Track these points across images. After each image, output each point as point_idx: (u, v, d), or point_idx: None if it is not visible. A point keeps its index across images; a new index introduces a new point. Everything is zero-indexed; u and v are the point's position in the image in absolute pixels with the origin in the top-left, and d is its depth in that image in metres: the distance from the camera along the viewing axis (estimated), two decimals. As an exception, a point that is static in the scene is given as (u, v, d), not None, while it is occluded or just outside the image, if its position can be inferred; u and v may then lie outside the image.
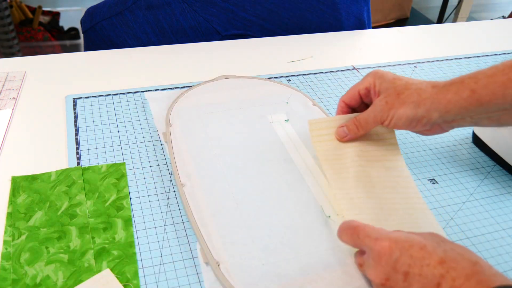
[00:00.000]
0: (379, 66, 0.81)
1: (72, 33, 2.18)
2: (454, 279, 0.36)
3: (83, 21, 0.88)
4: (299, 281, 0.43)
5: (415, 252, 0.38)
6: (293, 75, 0.77)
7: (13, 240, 0.46)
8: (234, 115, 0.64)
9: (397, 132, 0.65)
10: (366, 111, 0.52)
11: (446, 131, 0.51)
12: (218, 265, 0.44)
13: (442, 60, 0.85)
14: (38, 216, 0.49)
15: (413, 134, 0.65)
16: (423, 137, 0.64)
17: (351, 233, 0.43)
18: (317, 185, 0.53)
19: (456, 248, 0.39)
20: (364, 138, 0.56)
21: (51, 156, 0.57)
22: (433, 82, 0.48)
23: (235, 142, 0.59)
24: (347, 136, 0.54)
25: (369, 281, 0.43)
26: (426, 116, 0.47)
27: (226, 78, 0.71)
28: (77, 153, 0.58)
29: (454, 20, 2.43)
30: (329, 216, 0.50)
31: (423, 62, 0.84)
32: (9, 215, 0.49)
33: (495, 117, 0.46)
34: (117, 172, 0.55)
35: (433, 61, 0.85)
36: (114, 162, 0.57)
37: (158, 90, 0.71)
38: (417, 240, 0.39)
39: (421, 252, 0.38)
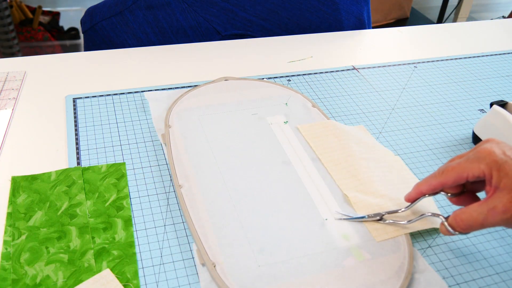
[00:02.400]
0: (379, 66, 0.81)
1: (72, 33, 2.18)
2: None
3: (83, 21, 0.88)
4: (295, 283, 0.43)
5: None
6: (293, 75, 0.77)
7: (13, 240, 0.46)
8: (233, 117, 0.64)
9: (396, 132, 0.65)
10: (478, 208, 0.41)
11: None
12: (214, 266, 0.44)
13: (442, 60, 0.85)
14: (38, 216, 0.49)
15: (412, 134, 0.65)
16: (423, 137, 0.64)
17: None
18: (314, 187, 0.53)
19: None
20: (357, 136, 0.61)
21: (51, 156, 0.58)
22: None
23: (234, 144, 0.59)
24: (455, 232, 0.43)
25: (365, 283, 0.43)
26: None
27: (225, 80, 0.71)
28: (77, 153, 0.58)
29: (454, 20, 2.43)
30: (326, 219, 0.50)
31: (423, 62, 0.84)
32: (9, 215, 0.49)
33: None
34: (117, 172, 0.55)
35: (433, 61, 0.85)
36: (114, 162, 0.57)
37: (158, 90, 0.71)
38: None
39: None
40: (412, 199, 0.48)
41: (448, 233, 0.43)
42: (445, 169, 0.44)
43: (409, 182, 0.54)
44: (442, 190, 0.46)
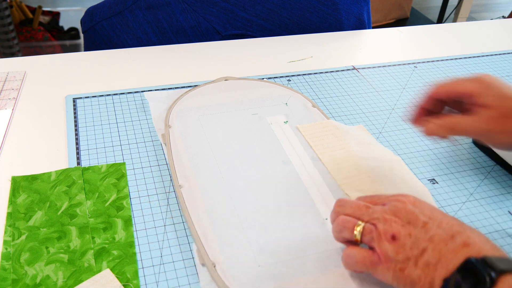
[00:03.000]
0: (379, 66, 0.81)
1: (72, 33, 2.18)
2: (468, 236, 0.38)
3: (83, 21, 0.88)
4: (295, 283, 0.43)
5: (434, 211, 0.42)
6: (293, 75, 0.77)
7: (13, 240, 0.46)
8: (233, 117, 0.64)
9: (396, 132, 0.65)
10: (465, 119, 0.46)
11: None
12: (214, 266, 0.44)
13: (442, 60, 0.85)
14: (38, 216, 0.49)
15: (412, 134, 0.65)
16: (423, 137, 0.64)
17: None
18: (314, 187, 0.53)
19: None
20: (356, 135, 0.60)
21: (51, 156, 0.58)
22: None
23: (234, 144, 0.59)
24: (435, 134, 0.48)
25: (365, 283, 0.43)
26: None
27: (225, 80, 0.71)
28: (77, 153, 0.58)
29: (454, 20, 2.43)
30: (326, 219, 0.50)
31: (423, 62, 0.84)
32: (9, 215, 0.49)
33: None
34: (117, 172, 0.55)
35: (433, 61, 0.85)
36: (114, 162, 0.57)
37: (158, 90, 0.71)
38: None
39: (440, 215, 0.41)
40: (416, 117, 0.51)
41: (430, 132, 0.48)
42: (440, 83, 0.49)
43: (409, 182, 0.54)
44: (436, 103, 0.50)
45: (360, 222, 0.42)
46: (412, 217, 0.41)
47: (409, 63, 0.83)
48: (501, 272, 0.34)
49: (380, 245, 0.40)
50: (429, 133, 0.48)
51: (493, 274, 0.34)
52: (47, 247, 0.46)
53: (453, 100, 0.49)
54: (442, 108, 0.50)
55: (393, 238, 0.40)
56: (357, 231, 0.41)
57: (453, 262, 0.37)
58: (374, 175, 0.55)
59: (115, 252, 0.46)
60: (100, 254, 0.45)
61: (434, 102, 0.50)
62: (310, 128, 0.62)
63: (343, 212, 0.44)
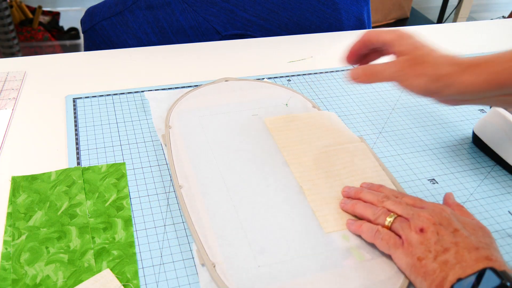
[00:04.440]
0: (379, 66, 0.81)
1: (72, 33, 2.18)
2: (493, 253, 0.40)
3: (83, 21, 0.88)
4: (295, 283, 0.43)
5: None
6: (293, 75, 0.77)
7: (13, 240, 0.46)
8: (233, 118, 0.64)
9: (396, 132, 0.65)
10: (384, 64, 0.51)
11: (458, 105, 0.52)
12: (214, 266, 0.44)
13: (442, 60, 0.85)
14: (38, 216, 0.49)
15: (412, 134, 0.65)
16: (423, 137, 0.64)
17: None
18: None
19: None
20: (323, 127, 0.62)
21: (51, 156, 0.58)
22: (451, 59, 0.48)
23: (234, 145, 0.59)
24: (358, 79, 0.53)
25: (365, 283, 0.43)
26: (440, 92, 0.48)
27: (226, 81, 0.71)
28: (77, 153, 0.58)
29: (454, 20, 2.43)
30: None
31: (423, 62, 0.84)
32: (9, 215, 0.49)
33: (504, 100, 0.48)
34: (117, 172, 0.55)
35: (433, 61, 0.85)
36: (114, 162, 0.57)
37: (158, 90, 0.71)
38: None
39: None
40: (351, 56, 0.56)
41: (355, 75, 0.53)
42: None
43: (370, 172, 0.56)
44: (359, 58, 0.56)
45: (393, 214, 0.46)
46: (446, 221, 0.44)
47: (409, 63, 0.83)
48: None
49: (406, 233, 0.43)
50: (353, 76, 0.53)
51: (508, 284, 0.36)
52: (47, 247, 0.46)
53: (376, 50, 0.55)
54: (367, 51, 0.56)
55: (421, 230, 0.43)
56: (391, 219, 0.46)
57: (473, 268, 0.38)
58: (333, 169, 0.56)
59: (115, 252, 0.46)
60: (100, 254, 0.46)
61: (362, 46, 0.55)
62: (276, 121, 0.63)
63: (383, 204, 0.48)
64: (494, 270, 0.37)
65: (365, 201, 0.50)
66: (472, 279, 0.37)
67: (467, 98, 0.48)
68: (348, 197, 0.52)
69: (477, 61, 0.47)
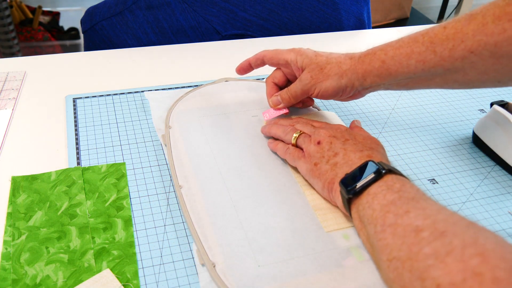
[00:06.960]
0: (379, 66, 0.81)
1: (72, 33, 2.18)
2: (375, 155, 0.48)
3: (83, 21, 0.88)
4: (295, 283, 0.43)
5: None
6: (293, 75, 0.77)
7: (13, 240, 0.46)
8: (233, 118, 0.64)
9: (396, 132, 0.65)
10: (295, 84, 0.58)
11: (363, 95, 0.59)
12: (214, 266, 0.44)
13: (442, 60, 0.85)
14: (38, 216, 0.49)
15: (412, 134, 0.65)
16: (423, 137, 0.64)
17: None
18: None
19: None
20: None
21: (51, 156, 0.58)
22: (349, 55, 0.56)
23: (234, 145, 0.59)
24: (281, 105, 0.60)
25: (365, 283, 0.43)
26: (349, 85, 0.55)
27: (226, 81, 0.71)
28: (77, 153, 0.58)
29: (454, 20, 2.43)
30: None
31: (423, 62, 0.84)
32: (9, 215, 0.49)
33: (402, 83, 0.54)
34: (117, 172, 0.55)
35: (433, 61, 0.85)
36: (114, 162, 0.57)
37: (158, 90, 0.71)
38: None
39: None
40: (242, 68, 0.65)
41: (277, 104, 0.61)
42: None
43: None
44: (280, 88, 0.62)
45: (299, 131, 0.55)
46: (339, 134, 0.52)
47: (409, 63, 0.83)
48: (389, 171, 0.44)
49: (307, 145, 0.52)
50: (284, 101, 0.60)
51: (383, 170, 0.44)
52: (47, 247, 0.46)
53: (286, 81, 0.62)
54: (257, 67, 0.64)
55: (319, 143, 0.51)
56: (296, 135, 0.54)
57: (357, 164, 0.47)
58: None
59: (115, 252, 0.46)
60: (100, 254, 0.46)
61: (258, 62, 0.63)
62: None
63: (294, 126, 0.56)
64: (373, 161, 0.46)
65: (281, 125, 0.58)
66: (356, 171, 0.45)
67: (368, 85, 0.55)
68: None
69: (372, 51, 0.54)
